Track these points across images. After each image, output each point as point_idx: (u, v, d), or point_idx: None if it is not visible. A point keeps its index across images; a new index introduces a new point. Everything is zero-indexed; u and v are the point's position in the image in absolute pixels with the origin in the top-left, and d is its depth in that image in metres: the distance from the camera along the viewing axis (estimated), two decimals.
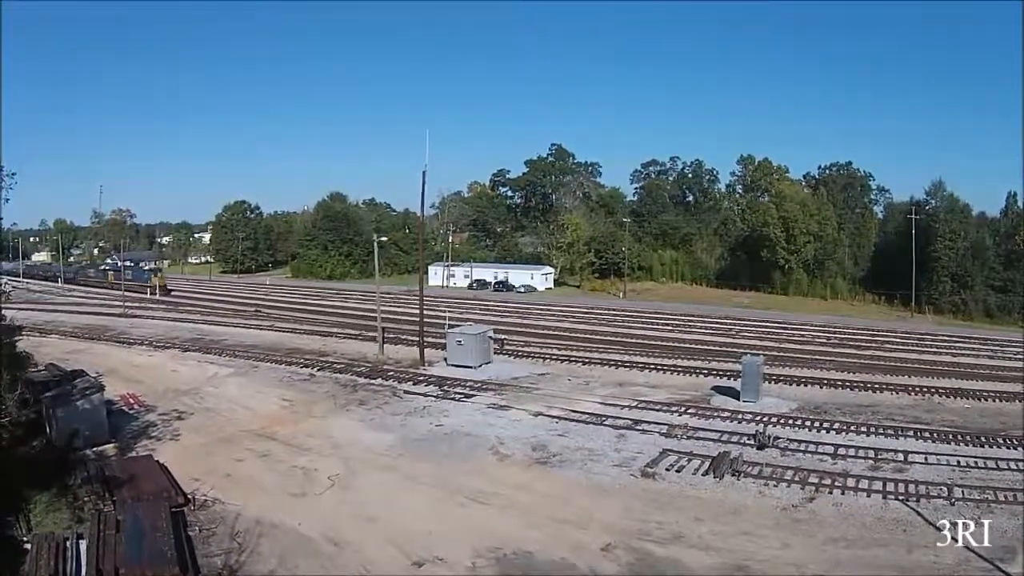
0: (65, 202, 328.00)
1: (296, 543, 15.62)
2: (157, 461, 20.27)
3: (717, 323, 56.02)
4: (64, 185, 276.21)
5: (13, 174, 21.01)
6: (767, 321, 58.17)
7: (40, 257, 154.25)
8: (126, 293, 75.74)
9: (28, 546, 14.69)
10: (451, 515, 17.16)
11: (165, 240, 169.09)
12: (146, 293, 79.29)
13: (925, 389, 30.15)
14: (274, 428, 24.57)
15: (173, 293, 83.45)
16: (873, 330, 53.98)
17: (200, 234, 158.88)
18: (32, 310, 61.30)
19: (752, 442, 21.96)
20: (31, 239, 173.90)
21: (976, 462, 20.33)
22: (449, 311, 50.76)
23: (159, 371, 34.72)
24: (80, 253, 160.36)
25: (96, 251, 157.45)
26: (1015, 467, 19.83)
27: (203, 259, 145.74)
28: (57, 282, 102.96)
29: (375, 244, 46.96)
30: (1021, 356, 41.13)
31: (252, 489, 18.87)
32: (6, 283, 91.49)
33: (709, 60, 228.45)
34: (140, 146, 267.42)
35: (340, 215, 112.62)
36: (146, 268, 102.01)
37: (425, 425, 24.90)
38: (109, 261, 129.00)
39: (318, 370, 34.25)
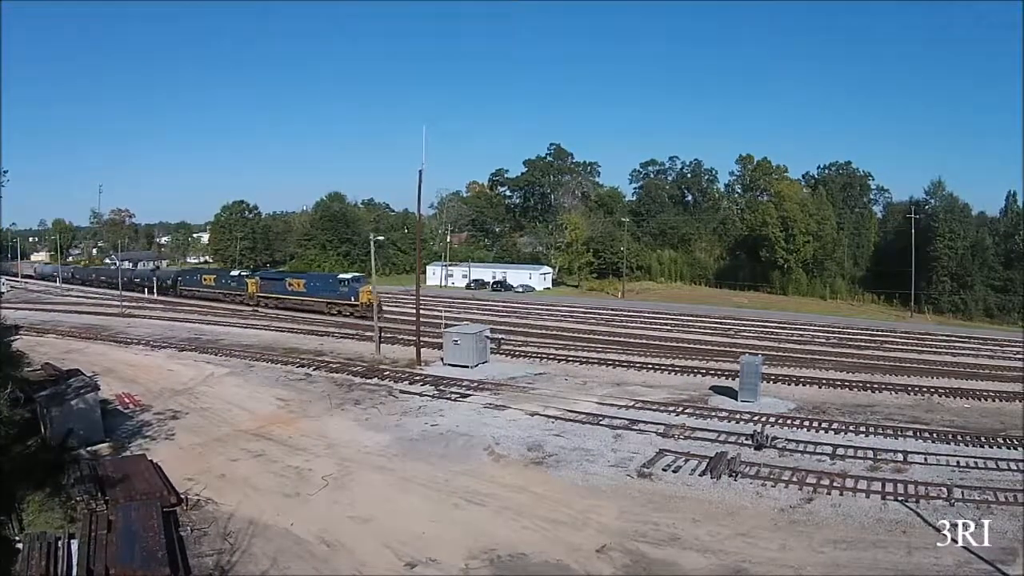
0: (64, 202, 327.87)
1: (289, 544, 15.50)
2: (151, 461, 20.18)
3: (716, 323, 55.86)
4: (63, 185, 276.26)
5: (5, 172, 21.04)
6: (766, 321, 58.02)
7: (39, 257, 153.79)
8: (321, 314, 55.97)
9: (20, 546, 14.60)
10: (445, 516, 17.03)
11: (164, 240, 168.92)
12: (344, 314, 54.73)
13: (924, 389, 30.03)
14: (269, 428, 24.44)
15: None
16: (873, 330, 53.86)
17: (199, 234, 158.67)
18: (30, 310, 61.31)
19: (750, 442, 21.84)
20: (30, 239, 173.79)
21: (976, 462, 20.24)
22: (446, 311, 50.67)
23: (155, 371, 34.56)
24: (79, 253, 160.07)
25: (95, 251, 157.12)
26: (1015, 467, 19.73)
27: (202, 259, 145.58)
28: (147, 292, 77.74)
29: (372, 244, 46.76)
30: (1021, 356, 41.04)
31: (246, 489, 18.75)
32: (4, 283, 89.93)
33: (708, 59, 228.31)
34: (139, 146, 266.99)
35: (338, 215, 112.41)
36: (346, 276, 59.21)
37: (420, 425, 24.76)
38: (241, 270, 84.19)
39: (314, 370, 34.11)
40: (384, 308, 51.66)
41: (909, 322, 64.43)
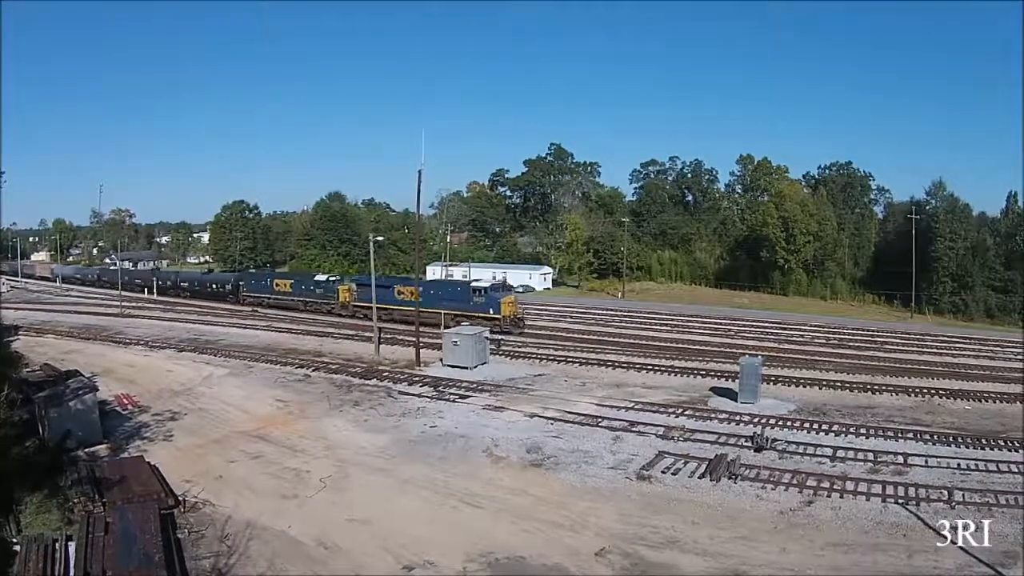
0: (64, 202, 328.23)
1: (286, 546, 15.46)
2: (148, 462, 20.14)
3: (716, 323, 55.69)
4: (63, 185, 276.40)
5: (2, 172, 21.18)
6: (766, 321, 57.85)
7: (39, 257, 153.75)
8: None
9: (18, 547, 14.56)
10: (443, 518, 16.98)
11: (164, 240, 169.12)
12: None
13: (925, 390, 29.92)
14: (267, 429, 24.39)
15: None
16: (873, 331, 53.67)
17: (199, 234, 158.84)
18: (30, 310, 61.27)
19: (750, 444, 21.76)
20: (30, 239, 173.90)
21: (976, 465, 20.18)
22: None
23: (154, 371, 34.52)
24: (79, 253, 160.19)
25: (95, 251, 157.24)
26: (1016, 470, 19.65)
27: (202, 259, 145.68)
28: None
29: (372, 244, 46.65)
30: (1022, 357, 40.90)
31: (244, 491, 18.71)
32: (4, 283, 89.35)
33: (709, 59, 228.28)
34: (140, 146, 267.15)
35: (338, 215, 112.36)
36: (482, 285, 50.28)
37: (419, 426, 24.70)
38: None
39: (313, 371, 34.04)
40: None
41: (910, 323, 64.30)
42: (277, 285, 61.97)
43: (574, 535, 15.91)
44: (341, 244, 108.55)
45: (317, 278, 61.08)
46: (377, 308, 49.21)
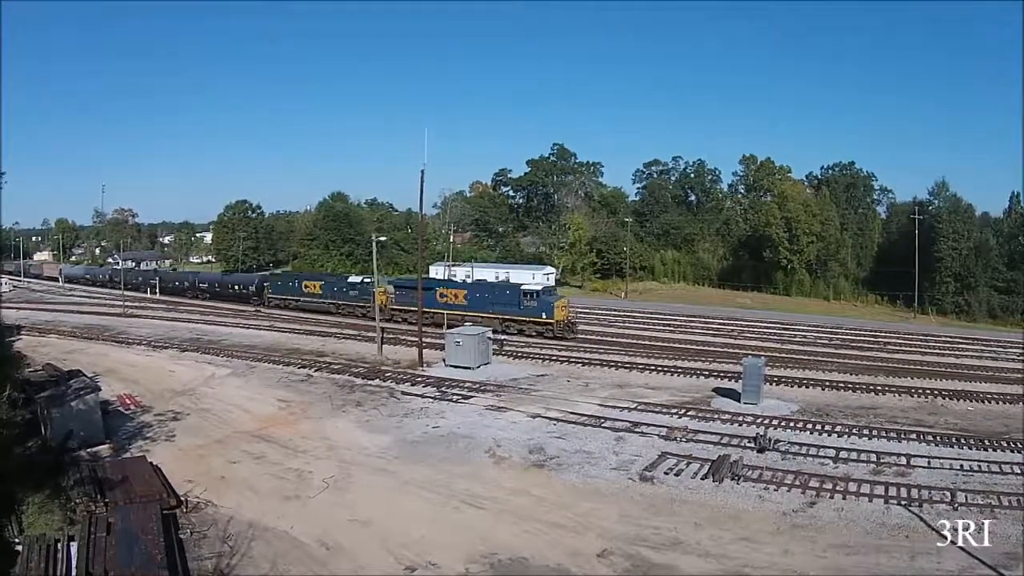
0: (67, 202, 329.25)
1: (288, 547, 15.47)
2: (151, 463, 20.15)
3: (719, 324, 55.65)
4: (66, 185, 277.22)
5: (3, 173, 21.17)
6: (769, 322, 57.83)
7: (41, 256, 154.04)
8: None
9: (20, 548, 14.57)
10: (445, 519, 16.97)
11: (167, 240, 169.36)
12: (526, 334, 44.43)
13: (928, 391, 29.88)
14: (270, 430, 24.41)
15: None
16: (876, 331, 53.63)
17: (202, 233, 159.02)
18: (32, 309, 61.38)
19: (753, 445, 21.72)
20: (33, 238, 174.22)
21: (979, 466, 20.14)
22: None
23: (156, 371, 34.55)
24: (82, 253, 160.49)
25: (98, 251, 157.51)
26: (1019, 471, 19.59)
27: (205, 259, 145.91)
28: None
29: (374, 244, 46.66)
30: None
31: (246, 492, 18.72)
32: (5, 283, 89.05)
33: (711, 60, 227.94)
34: (142, 146, 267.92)
35: (341, 215, 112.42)
36: (533, 288, 47.96)
37: (422, 427, 24.70)
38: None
39: (316, 371, 34.05)
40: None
41: (912, 323, 64.23)
42: (307, 287, 59.66)
43: (576, 536, 15.90)
44: (344, 244, 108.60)
45: (351, 279, 58.85)
46: (412, 310, 46.09)
